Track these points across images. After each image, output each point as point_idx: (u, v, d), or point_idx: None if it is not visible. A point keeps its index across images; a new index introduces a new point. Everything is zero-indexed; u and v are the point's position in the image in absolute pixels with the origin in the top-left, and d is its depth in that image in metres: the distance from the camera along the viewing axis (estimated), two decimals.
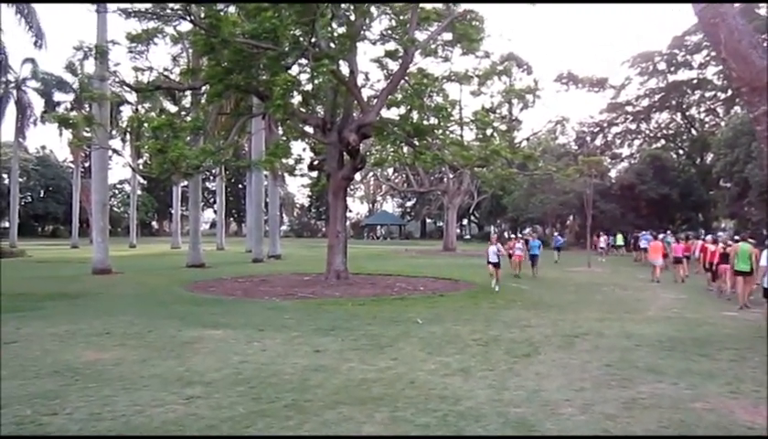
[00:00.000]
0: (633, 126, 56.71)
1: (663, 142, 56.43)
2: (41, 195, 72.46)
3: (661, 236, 27.32)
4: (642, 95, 53.28)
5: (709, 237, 22.34)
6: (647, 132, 57.48)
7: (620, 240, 40.57)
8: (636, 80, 52.49)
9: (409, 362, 8.16)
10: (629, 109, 54.50)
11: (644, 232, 33.29)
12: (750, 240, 12.09)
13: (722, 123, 47.71)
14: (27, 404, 6.10)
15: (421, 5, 19.55)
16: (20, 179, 52.62)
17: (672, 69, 50.51)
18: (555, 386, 6.98)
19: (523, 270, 22.59)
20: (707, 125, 53.11)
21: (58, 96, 45.60)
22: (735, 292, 15.20)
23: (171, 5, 17.52)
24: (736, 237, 19.00)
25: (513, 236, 31.36)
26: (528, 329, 10.93)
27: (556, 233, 45.35)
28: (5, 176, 64.14)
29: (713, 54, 39.29)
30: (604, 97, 55.66)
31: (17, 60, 45.89)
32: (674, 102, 52.27)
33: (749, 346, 9.46)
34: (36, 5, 28.90)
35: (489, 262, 18.56)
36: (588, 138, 55.99)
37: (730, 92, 44.13)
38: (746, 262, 13.60)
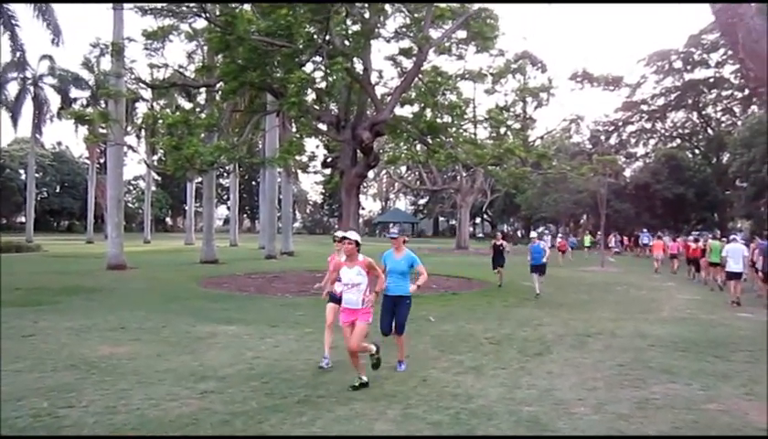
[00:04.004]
0: (648, 125, 56.36)
1: (678, 141, 56.03)
2: (57, 190, 73.01)
3: (659, 235, 32.24)
4: (657, 94, 52.94)
5: (690, 236, 26.51)
6: (663, 131, 57.08)
7: (587, 241, 41.30)
8: (652, 78, 52.24)
9: (421, 360, 8.20)
10: (644, 108, 54.16)
11: (644, 231, 39.71)
12: None
13: (739, 123, 47.30)
14: (44, 397, 6.18)
15: (436, 3, 19.50)
16: (36, 175, 53.07)
17: (688, 67, 50.14)
18: (567, 385, 6.98)
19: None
20: (723, 125, 52.65)
21: (74, 92, 46.12)
22: (712, 279, 19.69)
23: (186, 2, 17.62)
24: (709, 236, 24.40)
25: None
26: (541, 328, 10.92)
27: (538, 233, 22.54)
28: (21, 171, 64.89)
29: (730, 53, 38.88)
30: (619, 96, 55.48)
31: (35, 57, 46.53)
32: (690, 101, 51.88)
33: (764, 347, 9.37)
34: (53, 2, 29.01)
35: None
36: (602, 137, 55.77)
37: (747, 92, 43.70)
38: (717, 255, 18.05)
